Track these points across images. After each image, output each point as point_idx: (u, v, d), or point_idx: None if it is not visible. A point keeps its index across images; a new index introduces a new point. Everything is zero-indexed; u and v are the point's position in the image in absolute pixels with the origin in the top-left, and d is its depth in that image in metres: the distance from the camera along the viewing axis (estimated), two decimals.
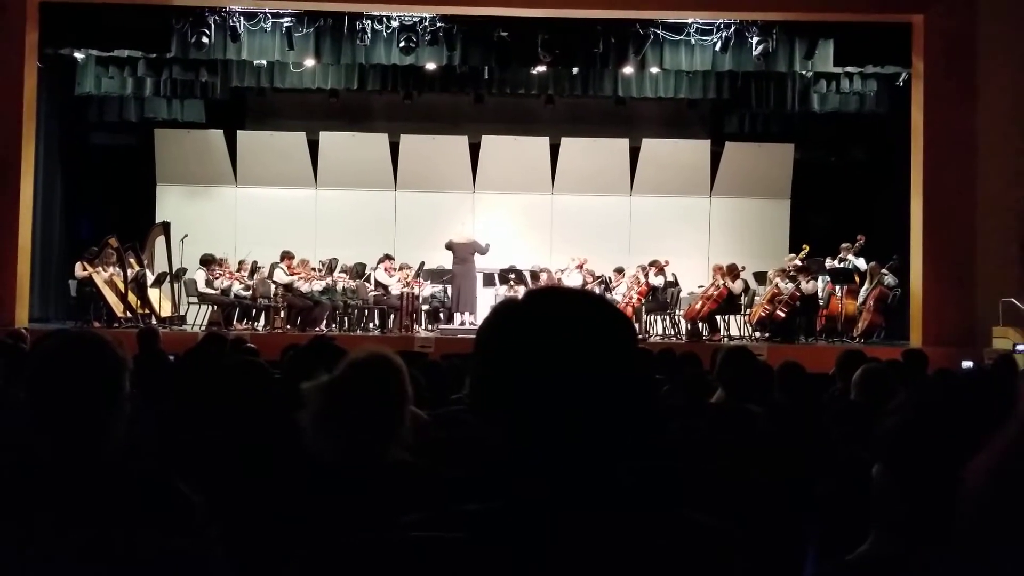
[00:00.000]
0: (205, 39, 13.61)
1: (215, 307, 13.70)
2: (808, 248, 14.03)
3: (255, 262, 14.37)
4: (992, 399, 1.26)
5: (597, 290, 13.98)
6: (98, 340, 1.95)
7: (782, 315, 13.32)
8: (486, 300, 13.98)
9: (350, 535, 1.22)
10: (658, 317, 14.41)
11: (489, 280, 14.34)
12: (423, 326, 14.24)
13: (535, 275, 14.46)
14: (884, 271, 13.61)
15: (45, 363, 1.91)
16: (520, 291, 13.56)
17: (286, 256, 13.82)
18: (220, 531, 1.84)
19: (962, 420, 1.30)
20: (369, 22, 13.89)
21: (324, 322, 13.66)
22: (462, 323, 13.89)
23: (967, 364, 9.30)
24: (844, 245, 14.03)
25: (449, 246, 14.15)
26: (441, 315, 14.62)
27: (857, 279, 13.71)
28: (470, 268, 14.12)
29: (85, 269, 13.27)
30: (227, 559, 1.84)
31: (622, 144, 16.31)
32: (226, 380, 3.25)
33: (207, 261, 13.80)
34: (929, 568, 1.19)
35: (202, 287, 13.69)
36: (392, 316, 14.07)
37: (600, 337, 1.19)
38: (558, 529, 1.14)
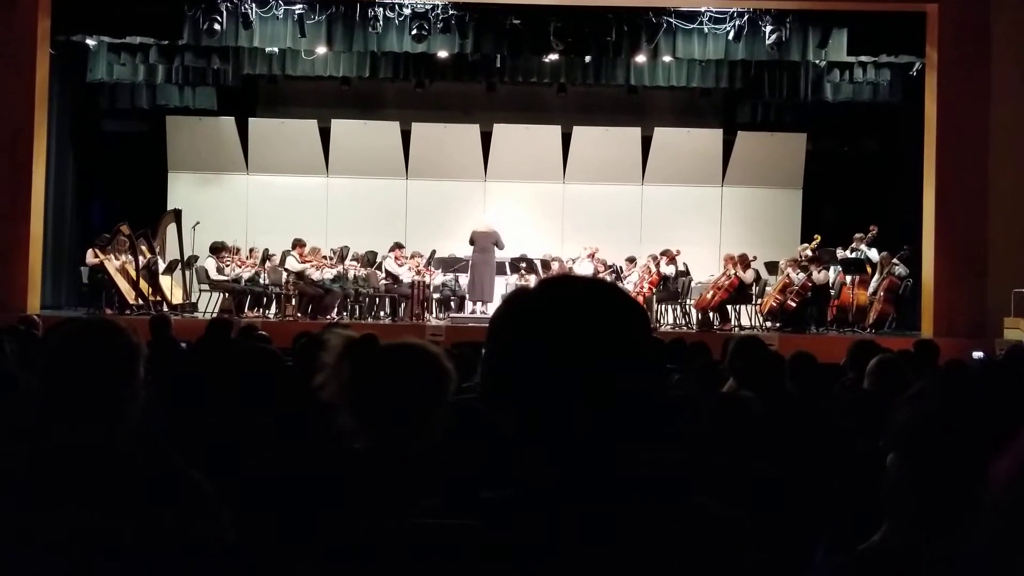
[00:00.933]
0: (217, 26, 13.61)
1: (226, 295, 13.73)
2: (820, 238, 13.99)
3: (266, 250, 14.40)
4: (1005, 390, 1.25)
5: (608, 279, 13.97)
6: (112, 327, 1.95)
7: (793, 305, 13.30)
8: (498, 289, 13.99)
9: (365, 522, 1.22)
10: (669, 306, 14.39)
11: (500, 269, 14.33)
12: (434, 315, 14.25)
13: (546, 264, 14.45)
14: (895, 261, 13.56)
15: (60, 350, 1.92)
16: (531, 280, 13.57)
17: (298, 244, 13.84)
18: (233, 517, 1.85)
19: (976, 411, 1.30)
20: (381, 9, 13.86)
21: (335, 310, 13.68)
22: (473, 311, 13.90)
23: (978, 354, 9.26)
24: (857, 235, 13.98)
25: (471, 237, 14.12)
26: (452, 304, 14.63)
27: (869, 269, 13.67)
28: (490, 258, 14.10)
29: (97, 256, 13.31)
30: (241, 545, 1.85)
31: (634, 133, 16.27)
32: (238, 367, 3.26)
33: (217, 249, 13.82)
34: (942, 559, 1.19)
35: (213, 274, 13.72)
36: (403, 304, 14.08)
37: (613, 326, 1.18)
38: (570, 517, 1.14)
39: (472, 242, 14.08)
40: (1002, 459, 0.71)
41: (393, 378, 2.17)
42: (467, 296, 14.28)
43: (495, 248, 14.13)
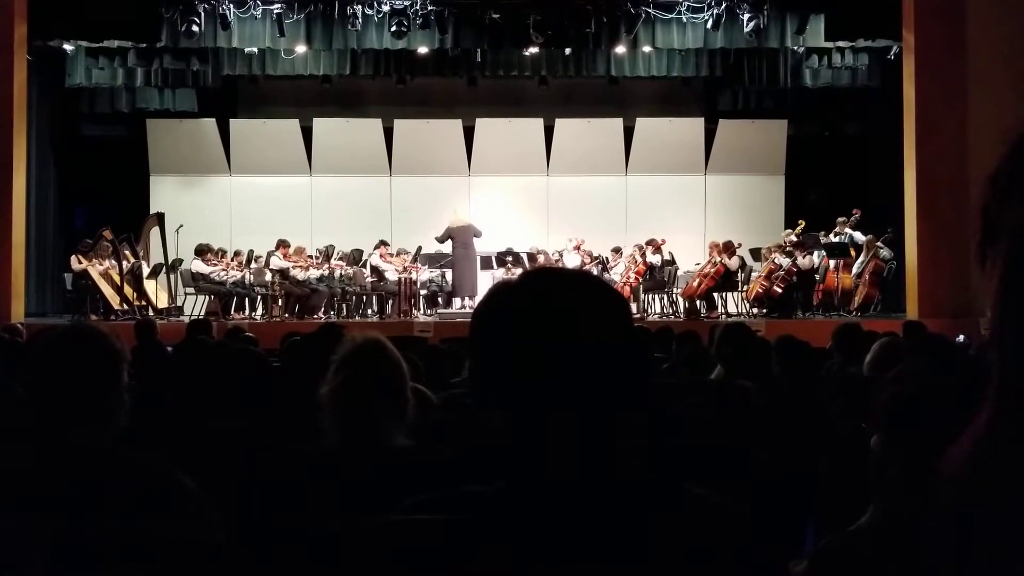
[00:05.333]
0: (195, 27, 13.54)
1: (212, 297, 13.68)
2: (804, 223, 14.03)
3: (251, 251, 14.35)
4: (986, 368, 1.26)
5: (595, 270, 13.99)
6: (94, 333, 1.95)
7: (779, 291, 13.33)
8: (484, 283, 13.97)
9: (352, 519, 1.22)
10: (656, 296, 14.41)
11: (487, 263, 14.32)
12: (421, 311, 14.24)
13: (532, 257, 14.45)
14: (879, 244, 13.63)
15: (43, 357, 1.91)
16: (517, 273, 13.55)
17: (282, 244, 13.78)
18: (222, 518, 1.84)
19: (957, 389, 1.31)
20: (360, 7, 13.82)
21: (322, 310, 13.65)
22: (462, 307, 13.89)
23: (961, 339, 9.29)
24: (840, 219, 14.03)
25: (448, 233, 14.09)
26: (439, 299, 14.62)
27: (853, 252, 13.72)
28: (471, 252, 14.09)
29: (81, 262, 13.24)
30: (231, 546, 1.85)
31: (616, 124, 16.28)
32: (223, 369, 3.26)
33: (202, 251, 13.77)
34: (927, 539, 1.20)
35: (205, 271, 13.67)
36: (390, 302, 14.06)
37: (595, 317, 1.18)
38: (560, 510, 1.14)
39: (451, 238, 14.05)
40: (955, 446, 0.72)
41: (351, 389, 2.19)
42: (452, 292, 14.27)
43: (475, 240, 14.13)
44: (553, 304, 1.18)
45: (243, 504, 2.15)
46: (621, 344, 1.18)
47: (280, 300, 13.49)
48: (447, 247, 14.36)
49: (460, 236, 14.03)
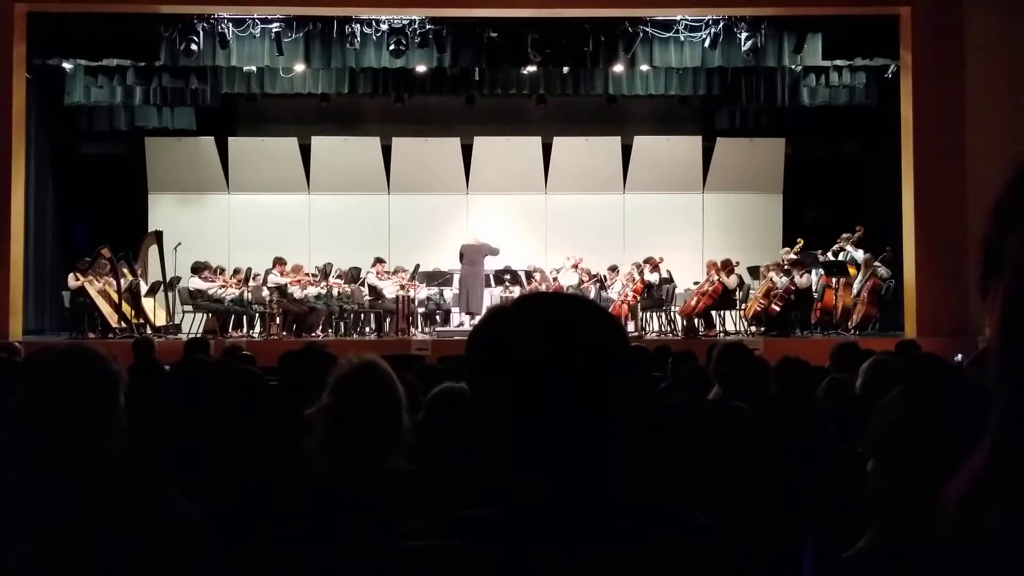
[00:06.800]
0: (194, 46, 13.57)
1: (210, 315, 13.67)
2: (802, 241, 14.04)
3: (249, 269, 14.35)
4: (983, 389, 1.26)
5: (593, 288, 14.00)
6: (92, 355, 1.95)
7: (777, 309, 13.33)
8: (486, 302, 13.98)
9: (350, 545, 1.22)
10: (654, 314, 14.41)
11: (485, 281, 14.33)
12: (419, 329, 14.23)
13: (530, 275, 14.45)
14: (877, 263, 13.64)
15: (40, 378, 1.91)
16: (516, 291, 13.58)
17: (278, 262, 13.77)
18: (217, 541, 1.84)
19: (955, 413, 1.30)
20: (358, 26, 13.86)
21: (320, 327, 13.64)
22: (460, 324, 13.89)
23: (959, 357, 9.28)
24: (844, 236, 14.05)
25: (460, 251, 14.11)
26: (437, 317, 14.61)
27: (852, 271, 13.73)
28: (479, 270, 14.09)
29: (78, 280, 13.23)
30: (225, 569, 1.84)
31: (614, 142, 16.32)
32: (220, 389, 3.25)
33: (199, 268, 13.77)
34: (925, 565, 1.19)
35: (200, 286, 13.66)
36: (388, 320, 14.05)
37: (591, 336, 1.18)
38: (557, 533, 1.14)
39: (462, 255, 14.09)
40: (953, 481, 0.71)
41: (346, 413, 2.19)
42: (455, 308, 14.26)
43: (487, 258, 14.13)
44: (549, 324, 1.18)
45: (238, 526, 2.14)
46: (617, 364, 1.18)
47: (278, 318, 13.47)
48: (446, 265, 14.38)
49: (469, 254, 14.05)
